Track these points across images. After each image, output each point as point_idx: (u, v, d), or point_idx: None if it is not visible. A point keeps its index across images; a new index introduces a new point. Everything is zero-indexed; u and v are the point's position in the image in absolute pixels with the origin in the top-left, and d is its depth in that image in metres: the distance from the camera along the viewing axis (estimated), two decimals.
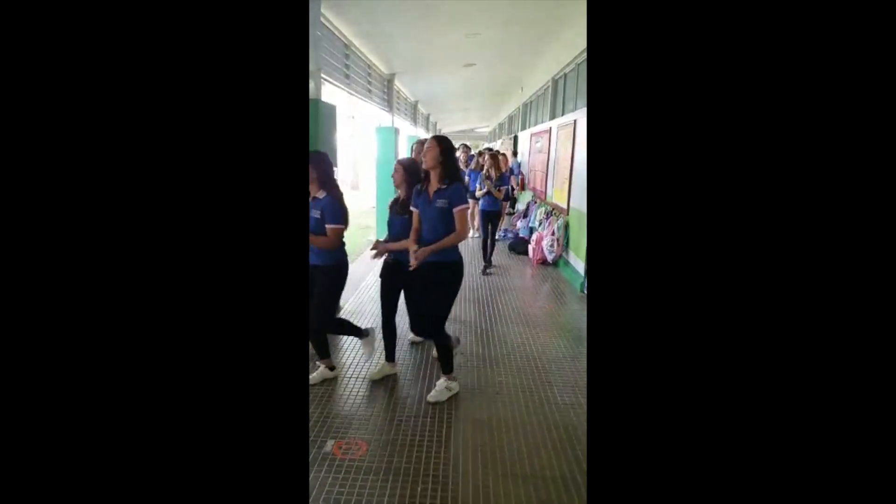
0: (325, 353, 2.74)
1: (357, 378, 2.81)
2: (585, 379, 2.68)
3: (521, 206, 7.25)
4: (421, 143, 3.35)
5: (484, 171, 5.58)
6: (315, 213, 2.48)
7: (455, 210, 2.37)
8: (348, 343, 3.28)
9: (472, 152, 7.61)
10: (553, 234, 5.51)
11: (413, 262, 2.36)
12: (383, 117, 7.46)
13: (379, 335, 2.91)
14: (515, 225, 6.62)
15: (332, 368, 2.77)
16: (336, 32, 4.71)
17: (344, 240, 2.60)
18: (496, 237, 5.24)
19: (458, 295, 4.22)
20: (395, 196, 2.83)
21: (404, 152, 7.93)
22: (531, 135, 8.13)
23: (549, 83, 6.96)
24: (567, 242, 5.39)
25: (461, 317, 3.86)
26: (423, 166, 2.46)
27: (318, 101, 3.40)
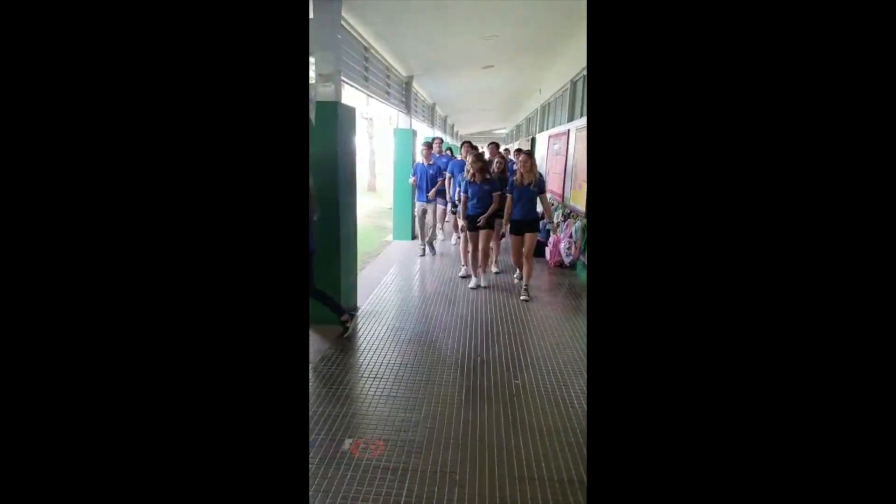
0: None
1: (375, 377, 2.83)
2: None
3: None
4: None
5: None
6: None
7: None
8: (365, 343, 3.31)
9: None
10: (570, 236, 5.48)
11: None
12: (401, 119, 7.49)
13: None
14: None
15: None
16: (356, 35, 4.75)
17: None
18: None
19: (473, 294, 4.22)
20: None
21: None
22: (549, 137, 8.09)
23: (568, 85, 6.92)
24: (584, 245, 5.35)
25: (477, 316, 3.87)
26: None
27: (337, 103, 3.43)
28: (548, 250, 5.91)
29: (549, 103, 9.06)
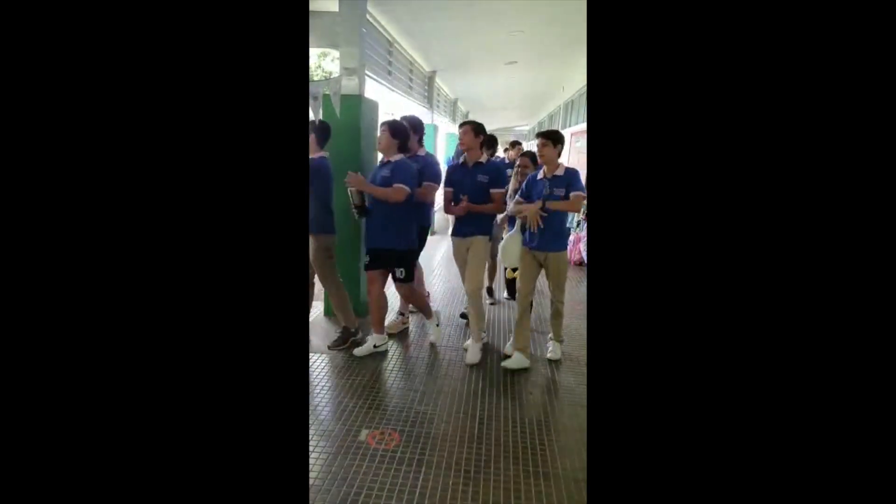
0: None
1: (392, 370, 2.85)
2: None
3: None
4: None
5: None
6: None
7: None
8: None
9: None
10: None
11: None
12: (423, 114, 7.50)
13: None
14: None
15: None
16: (381, 29, 4.77)
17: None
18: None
19: (490, 296, 4.14)
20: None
21: (443, 149, 7.91)
22: (571, 134, 8.01)
23: None
24: None
25: (496, 314, 3.86)
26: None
27: (360, 97, 3.46)
28: (568, 248, 5.87)
29: (572, 100, 8.97)
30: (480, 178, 2.96)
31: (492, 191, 2.95)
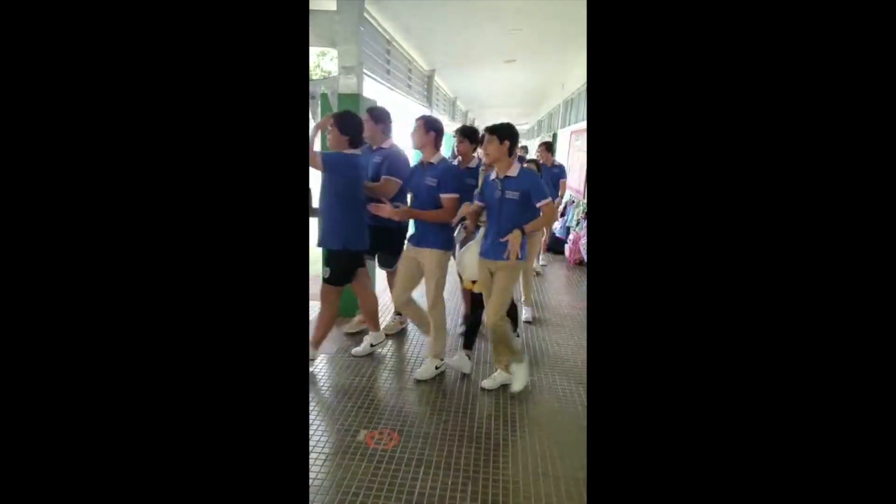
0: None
1: (391, 370, 2.85)
2: None
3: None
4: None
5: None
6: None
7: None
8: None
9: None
10: None
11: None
12: (422, 113, 7.49)
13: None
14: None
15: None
16: (379, 28, 4.76)
17: None
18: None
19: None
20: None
21: (444, 147, 7.86)
22: (571, 132, 8.00)
23: None
24: None
25: None
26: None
27: (359, 95, 3.45)
28: (568, 248, 5.87)
29: (571, 98, 8.96)
30: (429, 180, 2.60)
31: (441, 196, 2.57)
